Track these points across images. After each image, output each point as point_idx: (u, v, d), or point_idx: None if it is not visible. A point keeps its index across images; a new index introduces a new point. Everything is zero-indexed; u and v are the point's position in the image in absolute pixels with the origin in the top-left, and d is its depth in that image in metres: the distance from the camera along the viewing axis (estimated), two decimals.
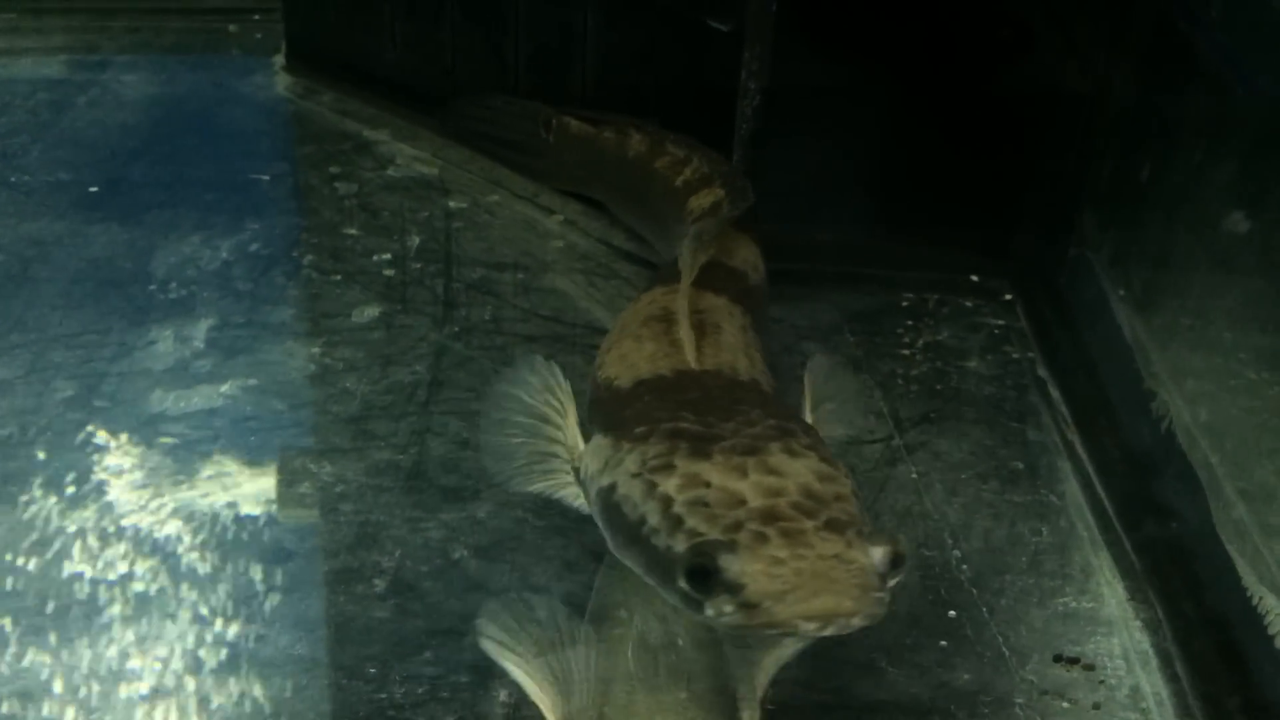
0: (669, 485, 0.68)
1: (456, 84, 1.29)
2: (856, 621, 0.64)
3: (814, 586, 0.63)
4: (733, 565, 0.63)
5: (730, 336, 0.87)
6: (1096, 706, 0.77)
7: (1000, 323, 1.09)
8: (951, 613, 0.83)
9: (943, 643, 0.82)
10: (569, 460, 0.78)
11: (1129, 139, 0.98)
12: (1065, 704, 0.78)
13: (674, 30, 1.12)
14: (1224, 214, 0.84)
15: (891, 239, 1.15)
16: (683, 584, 0.64)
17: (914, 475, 0.93)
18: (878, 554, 0.65)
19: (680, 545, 0.64)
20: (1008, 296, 1.09)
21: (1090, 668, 0.79)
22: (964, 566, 0.87)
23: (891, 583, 0.66)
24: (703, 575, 0.64)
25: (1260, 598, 0.75)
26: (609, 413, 0.78)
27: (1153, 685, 0.79)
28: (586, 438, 0.78)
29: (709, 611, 0.64)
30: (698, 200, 1.04)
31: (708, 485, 0.67)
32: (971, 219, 1.13)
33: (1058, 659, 0.79)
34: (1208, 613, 0.78)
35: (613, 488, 0.70)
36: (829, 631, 0.64)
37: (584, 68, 1.19)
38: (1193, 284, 0.87)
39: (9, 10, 1.46)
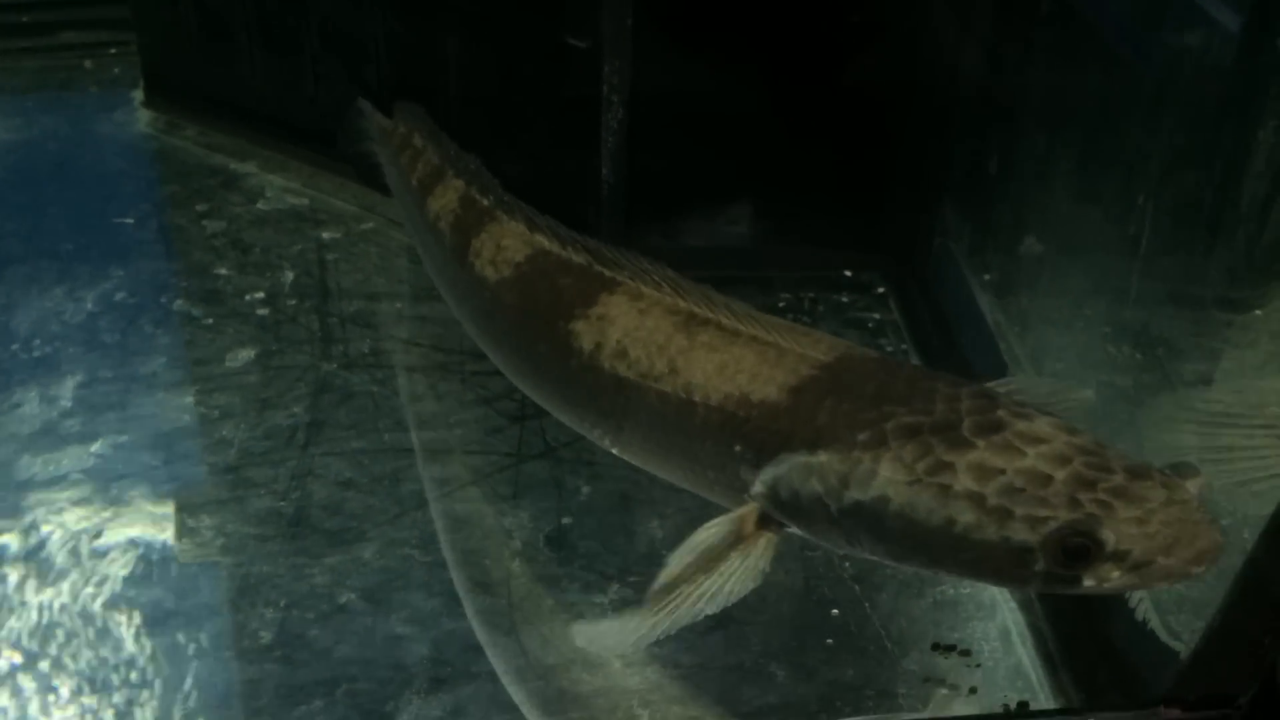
0: (965, 482, 0.68)
1: (321, 112, 1.30)
2: (1223, 555, 0.68)
3: (1191, 532, 0.66)
4: (1110, 536, 0.65)
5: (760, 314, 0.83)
6: (973, 690, 0.82)
7: (876, 316, 1.13)
8: (835, 611, 0.87)
9: (828, 641, 0.86)
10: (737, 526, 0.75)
11: (978, 127, 1.02)
12: (945, 690, 0.82)
13: (534, 48, 1.14)
14: (1065, 196, 0.89)
15: (765, 240, 1.18)
16: (1048, 566, 0.66)
17: None
18: (1194, 485, 0.69)
19: (1025, 534, 0.65)
20: (880, 290, 1.13)
21: (966, 653, 0.83)
22: (846, 564, 0.91)
23: None
24: (1080, 553, 0.66)
25: None
26: (781, 430, 0.73)
27: (1028, 664, 0.84)
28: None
29: (1088, 583, 0.66)
30: (437, 202, 0.95)
31: (1003, 472, 0.68)
32: (841, 213, 1.17)
33: (935, 647, 0.83)
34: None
35: (883, 500, 0.68)
36: (1209, 571, 0.67)
37: (448, 89, 1.20)
38: (1043, 267, 0.91)
39: None
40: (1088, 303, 0.85)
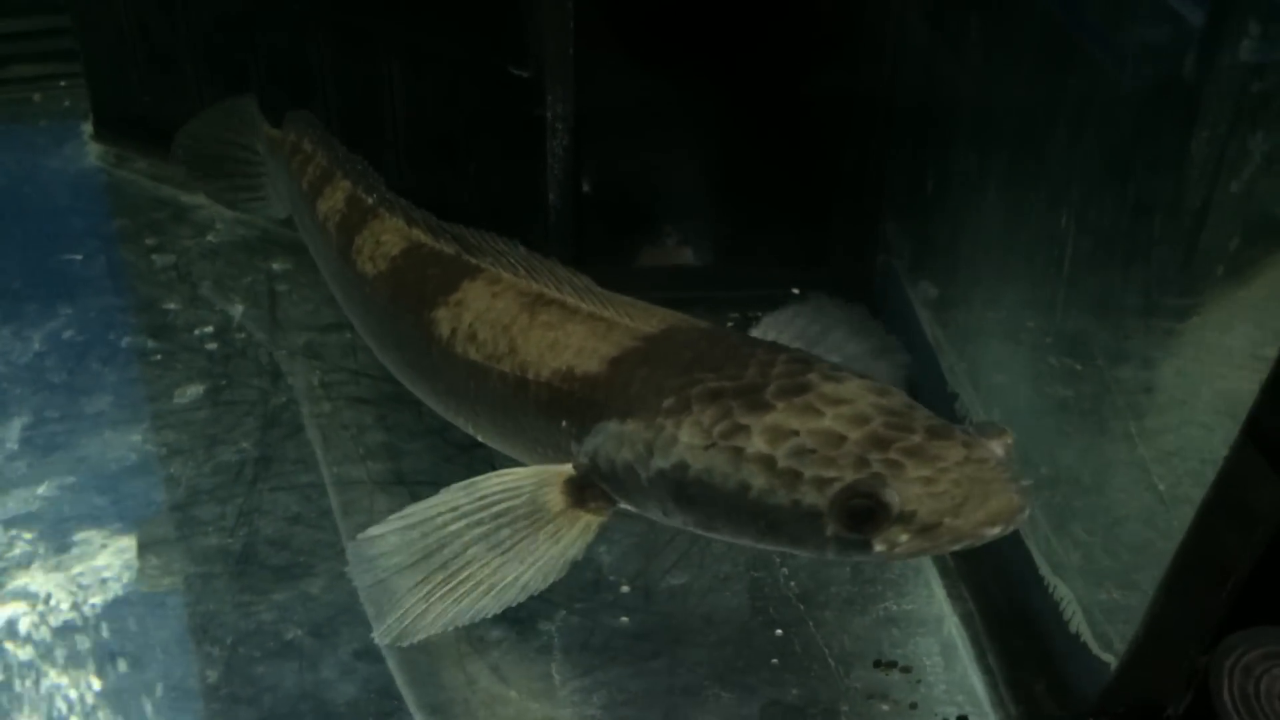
0: (757, 444, 0.66)
1: None
2: (1022, 516, 0.66)
3: (982, 492, 0.64)
4: (894, 496, 0.63)
5: (609, 294, 0.84)
6: (914, 706, 0.83)
7: None
8: (779, 630, 0.88)
9: (773, 660, 0.87)
10: (550, 488, 0.74)
11: (914, 144, 1.04)
12: (886, 706, 0.83)
13: (479, 76, 1.15)
14: (999, 210, 0.90)
15: (713, 260, 1.20)
16: (837, 531, 0.64)
17: None
18: (998, 445, 0.67)
19: (814, 497, 0.64)
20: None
21: (907, 669, 0.85)
22: (791, 584, 0.92)
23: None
24: (865, 515, 0.64)
25: (1055, 586, 0.81)
26: (599, 401, 0.73)
27: (971, 678, 0.85)
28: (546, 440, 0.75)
29: (879, 548, 0.64)
30: (326, 204, 0.98)
31: (796, 433, 0.66)
32: (787, 232, 1.18)
33: (877, 664, 0.85)
34: (1014, 604, 0.85)
35: (682, 466, 0.67)
36: (1005, 532, 0.65)
37: (394, 118, 1.21)
38: (978, 284, 0.93)
39: None
40: (1026, 315, 0.87)
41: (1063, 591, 0.79)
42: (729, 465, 0.66)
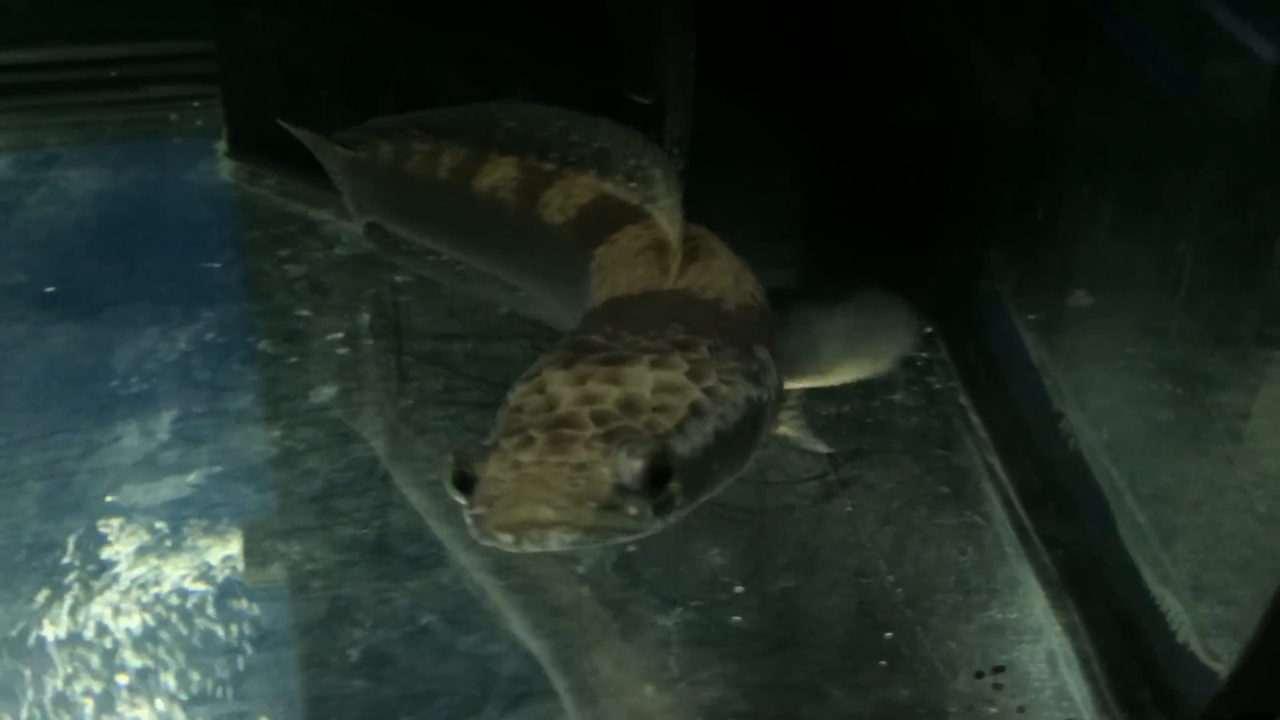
0: (516, 393, 0.69)
1: None
2: (564, 536, 0.62)
3: (519, 494, 0.61)
4: (479, 471, 0.63)
5: (724, 261, 0.88)
6: (1022, 710, 0.87)
7: (924, 355, 1.19)
8: (888, 634, 0.93)
9: (881, 663, 0.91)
10: None
11: (1024, 172, 1.08)
12: (994, 709, 0.87)
13: (601, 102, 1.21)
14: (1109, 240, 0.94)
15: (816, 282, 1.25)
16: (451, 490, 0.64)
17: (848, 509, 1.03)
18: (630, 465, 0.63)
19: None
20: (928, 329, 1.19)
21: (1013, 675, 0.88)
22: (898, 590, 0.97)
23: (658, 499, 0.63)
24: (465, 483, 0.64)
25: (1162, 597, 0.84)
26: (570, 334, 0.78)
27: (1073, 685, 0.89)
28: None
29: (469, 520, 0.64)
30: (488, 178, 1.00)
31: (541, 392, 0.68)
32: (889, 256, 1.23)
33: (979, 675, 0.88)
34: (1119, 614, 0.88)
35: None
36: (533, 546, 0.62)
37: None
38: (1087, 309, 0.97)
39: None
40: (1130, 341, 0.91)
41: (1169, 603, 0.82)
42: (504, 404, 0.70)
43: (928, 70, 1.16)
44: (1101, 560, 0.89)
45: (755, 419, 0.74)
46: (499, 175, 1.02)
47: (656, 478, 0.64)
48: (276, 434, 1.13)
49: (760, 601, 0.96)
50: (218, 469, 1.09)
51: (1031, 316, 1.01)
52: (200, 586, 0.98)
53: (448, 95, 1.38)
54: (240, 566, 1.00)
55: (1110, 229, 0.96)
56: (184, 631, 0.95)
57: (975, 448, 1.08)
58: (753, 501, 1.04)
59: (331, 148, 1.15)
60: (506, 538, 0.62)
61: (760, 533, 1.01)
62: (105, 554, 1.00)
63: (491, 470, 0.63)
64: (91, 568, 0.99)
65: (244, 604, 0.97)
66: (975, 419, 1.08)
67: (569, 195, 0.97)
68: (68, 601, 0.95)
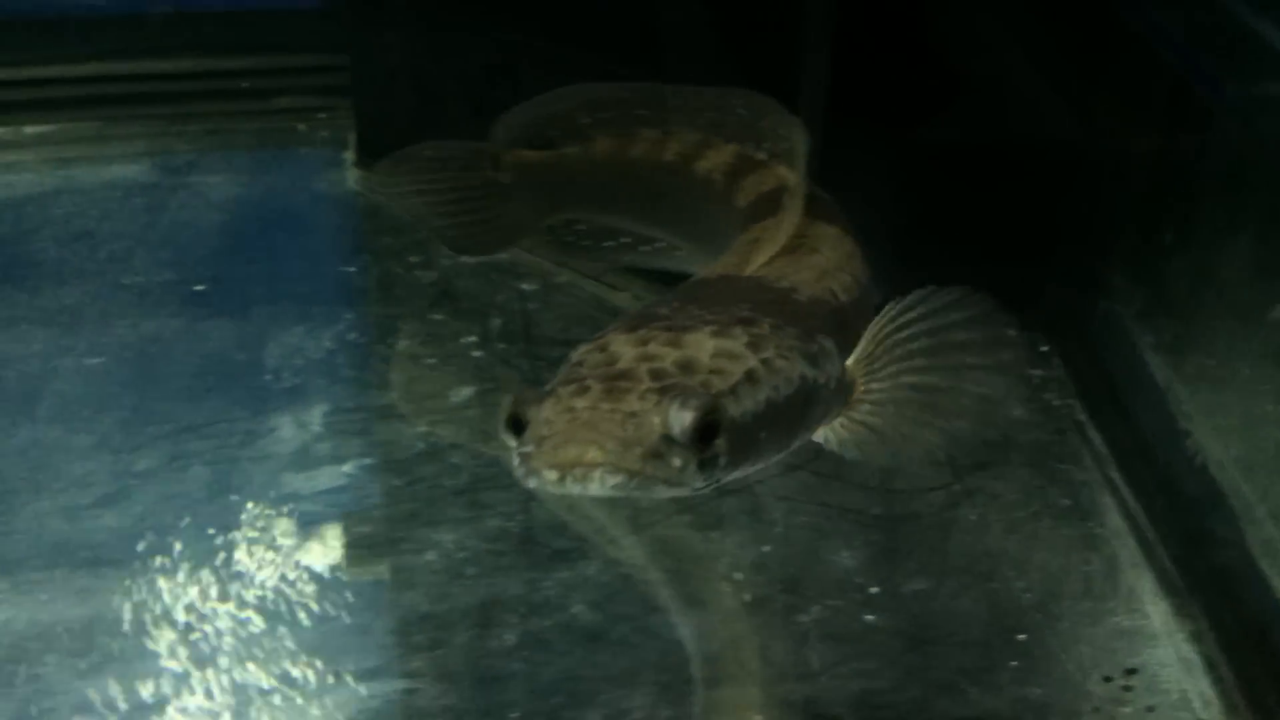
0: (579, 351, 0.71)
1: None
2: (608, 478, 0.62)
3: (568, 435, 0.62)
4: (532, 413, 0.65)
5: (818, 258, 0.89)
6: (1151, 710, 0.91)
7: (1039, 372, 1.24)
8: (1020, 636, 0.97)
9: (1013, 663, 0.96)
10: None
11: (1152, 194, 1.12)
12: (1126, 710, 0.92)
13: None
14: (1244, 272, 0.99)
15: None
16: (503, 431, 0.66)
17: (974, 517, 1.08)
18: (680, 417, 0.64)
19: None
20: (1044, 348, 1.24)
21: (1142, 678, 0.93)
22: (1027, 595, 1.01)
23: (703, 455, 0.65)
24: (518, 425, 0.66)
25: None
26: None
27: (1200, 689, 0.93)
28: None
29: (516, 461, 0.65)
30: (708, 161, 1.02)
31: (603, 351, 0.70)
32: (1004, 275, 1.28)
33: (1108, 679, 0.93)
34: (1246, 622, 0.92)
35: None
36: (576, 486, 0.62)
37: None
38: (1218, 333, 1.01)
39: (91, 118, 1.63)
40: (1263, 362, 0.95)
41: None
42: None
43: (1058, 87, 1.21)
44: (1229, 570, 0.94)
45: (808, 398, 0.76)
46: (720, 160, 1.04)
47: (704, 433, 0.66)
48: (421, 430, 1.20)
49: (894, 602, 1.01)
50: (369, 461, 1.16)
51: (1156, 338, 1.06)
52: (362, 569, 1.05)
53: None
54: (399, 551, 1.07)
55: (1247, 252, 1.00)
56: (350, 610, 1.01)
57: (1095, 462, 1.12)
58: (879, 508, 1.10)
59: (510, 154, 1.14)
60: (551, 475, 0.63)
61: (889, 538, 1.06)
62: (271, 535, 1.07)
63: (545, 413, 0.65)
64: (258, 548, 1.06)
65: (404, 587, 1.03)
66: (1094, 435, 1.13)
67: (760, 183, 1.01)
68: (240, 578, 1.02)
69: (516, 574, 1.05)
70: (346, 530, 1.09)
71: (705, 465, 0.67)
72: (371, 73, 1.56)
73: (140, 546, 1.04)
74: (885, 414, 0.81)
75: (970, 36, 1.26)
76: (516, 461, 0.66)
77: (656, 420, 0.64)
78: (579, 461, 0.62)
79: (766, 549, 1.07)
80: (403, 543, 1.08)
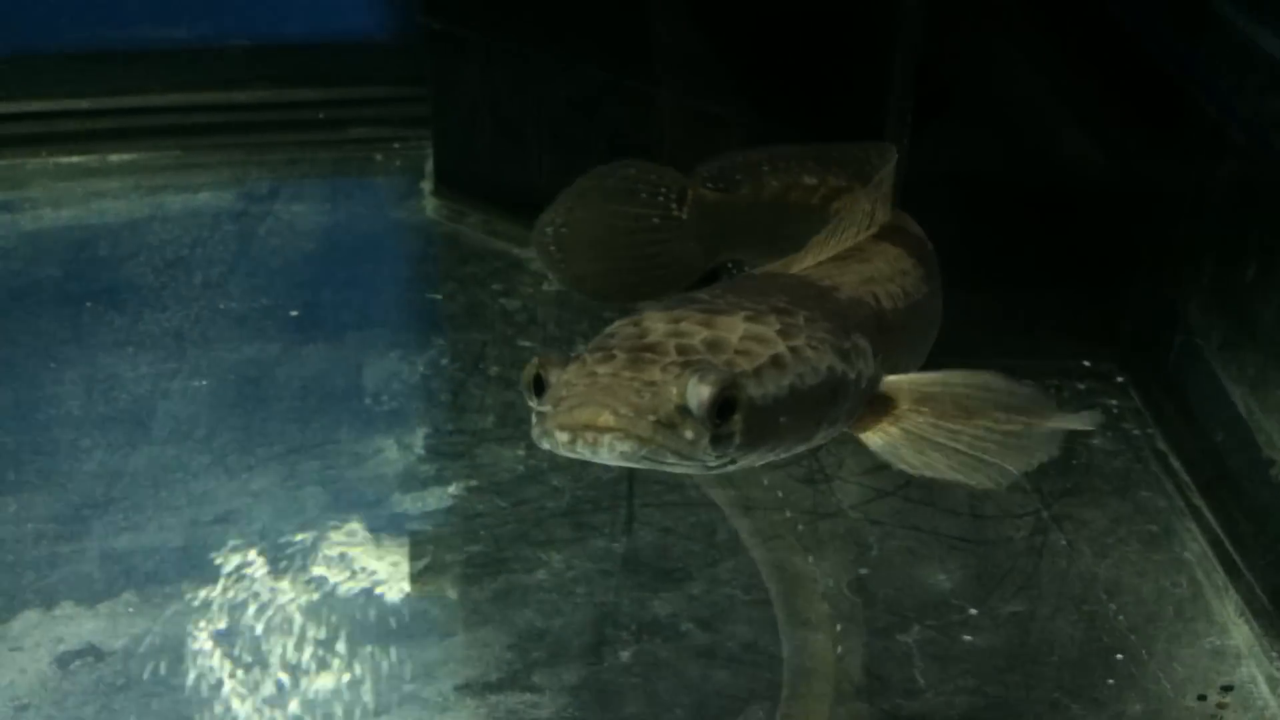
0: (615, 325, 0.72)
1: None
2: (618, 443, 0.63)
3: (585, 398, 0.63)
4: (554, 375, 0.66)
5: (865, 266, 0.90)
6: None
7: (1115, 403, 1.30)
8: (1118, 656, 1.02)
9: (1110, 681, 1.01)
10: None
11: (1236, 227, 1.17)
12: None
13: None
14: None
15: (1006, 330, 1.35)
16: (526, 391, 0.68)
17: (1064, 542, 1.13)
18: (697, 390, 0.64)
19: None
20: (1119, 379, 1.30)
21: (1239, 696, 0.98)
22: (1120, 617, 1.06)
23: (718, 430, 0.65)
24: (540, 386, 0.68)
25: None
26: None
27: None
28: None
29: (534, 420, 0.67)
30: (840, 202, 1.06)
31: (636, 325, 0.71)
32: (1079, 307, 1.33)
33: (1202, 698, 0.98)
34: None
35: None
36: (586, 450, 0.63)
37: None
38: None
39: (173, 147, 1.68)
40: None
41: None
42: None
43: (1139, 121, 1.26)
44: None
45: (835, 391, 0.76)
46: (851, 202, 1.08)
47: (721, 409, 0.66)
48: (520, 453, 1.25)
49: (992, 623, 1.06)
50: (473, 483, 1.21)
51: (1239, 370, 1.11)
52: (475, 587, 1.10)
53: (659, 148, 1.51)
54: (512, 569, 1.11)
55: None
56: (466, 626, 1.06)
57: (1178, 490, 1.18)
58: (971, 532, 1.15)
59: (694, 189, 1.16)
60: (563, 436, 0.64)
61: (983, 561, 1.11)
62: (386, 553, 1.12)
63: (567, 375, 0.66)
64: (375, 565, 1.11)
65: (518, 605, 1.08)
66: (1175, 464, 1.19)
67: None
68: (359, 595, 1.07)
69: (625, 593, 1.10)
70: (458, 549, 1.13)
71: (719, 441, 0.67)
72: (451, 104, 1.61)
73: (261, 563, 1.09)
74: (926, 434, 0.82)
75: (1050, 78, 1.33)
76: (534, 421, 0.67)
77: (674, 390, 0.65)
78: (591, 424, 0.63)
79: (864, 571, 1.12)
80: (512, 562, 1.13)
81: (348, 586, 1.08)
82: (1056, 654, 1.03)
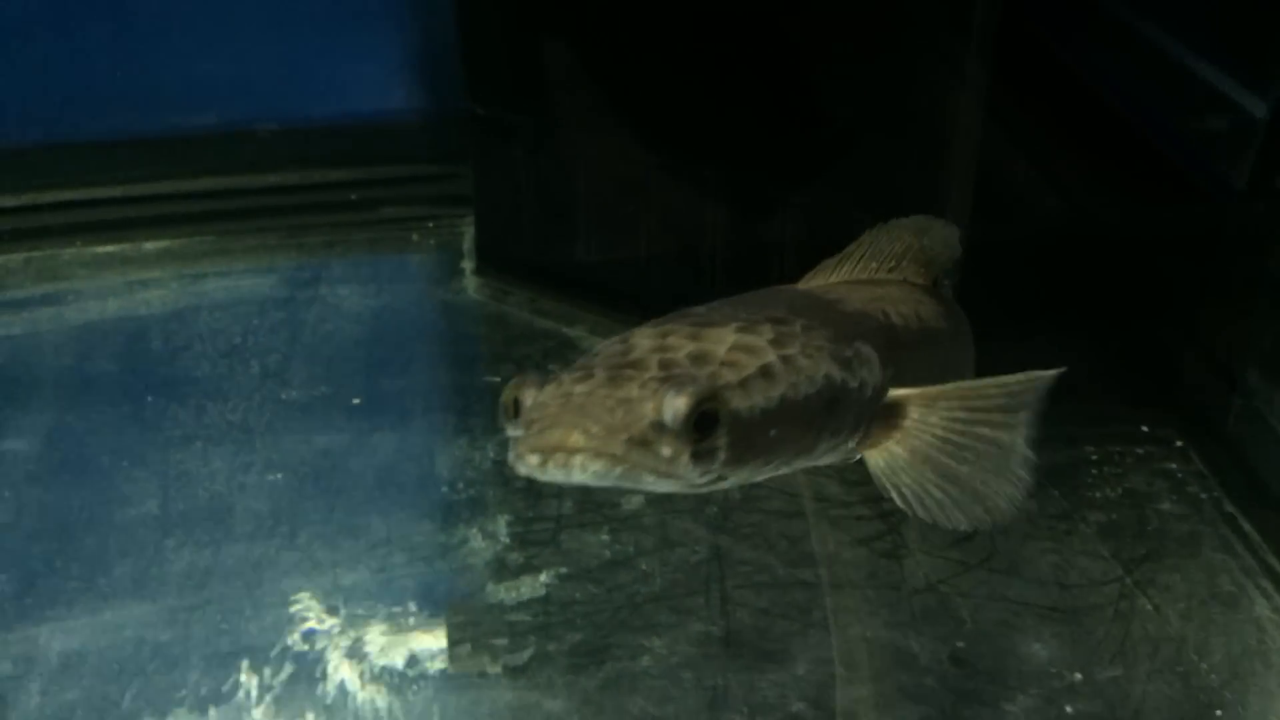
0: (599, 345, 0.72)
1: (650, 285, 1.56)
2: (589, 464, 0.61)
3: (556, 420, 0.61)
4: (530, 396, 0.64)
5: (883, 291, 0.90)
6: None
7: (1175, 466, 1.37)
8: (1217, 713, 1.08)
9: None
10: None
11: None
12: None
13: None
14: None
15: (1066, 398, 1.42)
16: (503, 415, 0.66)
17: (1149, 607, 1.19)
18: (673, 402, 0.62)
19: None
20: (1179, 443, 1.37)
21: None
22: (1213, 676, 1.12)
23: (698, 446, 0.63)
24: (517, 409, 0.66)
25: None
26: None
27: None
28: None
29: (509, 445, 0.65)
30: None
31: (624, 342, 0.70)
32: (1136, 374, 1.41)
33: None
34: None
35: None
36: (558, 472, 0.61)
37: (782, 277, 1.46)
38: None
39: (207, 232, 1.70)
40: None
41: None
42: None
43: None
44: None
45: (833, 400, 0.75)
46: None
47: (701, 422, 0.64)
48: (604, 538, 1.28)
49: (1092, 688, 1.11)
50: (563, 570, 1.24)
51: None
52: (582, 676, 1.12)
53: (710, 231, 1.56)
54: (615, 656, 1.14)
55: None
56: (581, 715, 1.09)
57: (1249, 551, 1.25)
58: (1059, 601, 1.20)
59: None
60: (534, 459, 0.62)
61: (1074, 629, 1.17)
62: (490, 644, 1.14)
63: (542, 396, 0.64)
64: (481, 658, 1.13)
65: (628, 691, 1.11)
66: (1246, 526, 1.26)
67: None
68: (470, 686, 1.09)
69: (731, 675, 1.13)
70: (560, 638, 1.16)
71: (700, 457, 0.66)
72: (495, 185, 1.66)
73: (366, 660, 1.11)
74: (929, 452, 0.81)
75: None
76: (509, 445, 0.65)
77: (649, 406, 0.63)
78: (561, 445, 0.62)
79: (961, 644, 1.17)
80: (615, 649, 1.15)
81: (455, 680, 1.11)
82: (1160, 713, 1.09)
